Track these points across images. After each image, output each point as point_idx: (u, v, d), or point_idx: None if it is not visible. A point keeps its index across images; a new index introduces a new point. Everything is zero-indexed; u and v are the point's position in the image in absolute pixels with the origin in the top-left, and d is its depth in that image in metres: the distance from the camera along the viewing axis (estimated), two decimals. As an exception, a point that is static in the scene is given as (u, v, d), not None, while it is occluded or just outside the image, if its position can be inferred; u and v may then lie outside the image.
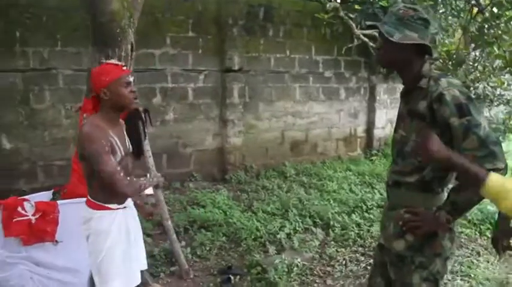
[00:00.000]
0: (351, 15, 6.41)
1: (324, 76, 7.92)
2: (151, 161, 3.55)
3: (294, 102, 7.57)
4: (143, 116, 3.48)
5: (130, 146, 2.49)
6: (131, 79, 2.31)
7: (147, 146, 3.55)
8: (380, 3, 6.98)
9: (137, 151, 3.43)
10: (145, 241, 4.09)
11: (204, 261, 4.07)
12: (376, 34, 4.60)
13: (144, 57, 6.09)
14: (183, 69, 6.49)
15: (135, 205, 2.58)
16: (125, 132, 2.46)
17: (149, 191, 2.90)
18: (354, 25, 6.27)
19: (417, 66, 2.01)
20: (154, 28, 6.17)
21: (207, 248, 4.24)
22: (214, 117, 6.81)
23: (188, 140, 6.61)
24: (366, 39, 6.23)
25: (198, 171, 6.64)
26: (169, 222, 3.75)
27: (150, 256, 3.92)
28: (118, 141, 2.26)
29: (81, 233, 2.36)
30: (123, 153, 2.29)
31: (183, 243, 4.26)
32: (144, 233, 4.25)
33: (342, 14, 6.19)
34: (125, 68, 2.33)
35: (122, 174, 2.18)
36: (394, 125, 2.23)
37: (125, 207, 2.37)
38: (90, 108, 2.38)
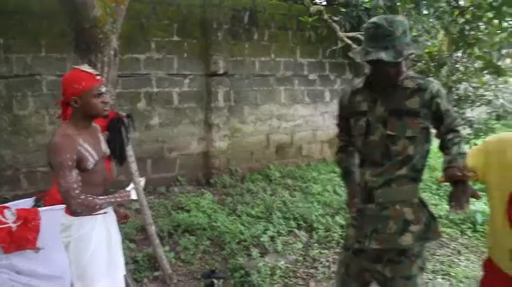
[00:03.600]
0: (335, 18, 6.46)
1: (309, 79, 7.97)
2: (134, 166, 3.56)
3: (279, 105, 7.61)
4: (126, 121, 3.48)
5: (108, 149, 2.50)
6: (104, 89, 2.32)
7: (130, 151, 3.56)
8: (364, 5, 7.06)
9: (120, 157, 3.44)
10: (128, 247, 4.16)
11: (188, 265, 4.09)
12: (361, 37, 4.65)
13: (129, 62, 6.11)
14: (168, 73, 6.50)
15: None
16: (100, 136, 2.47)
17: (133, 196, 2.90)
18: (337, 28, 6.31)
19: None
20: (139, 33, 6.19)
21: (191, 253, 4.26)
22: (199, 121, 6.83)
23: (173, 144, 6.63)
24: (349, 42, 6.28)
25: (183, 175, 6.65)
26: (153, 227, 3.76)
27: (133, 261, 3.96)
28: (90, 147, 2.27)
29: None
30: (96, 158, 2.29)
31: (167, 248, 4.27)
32: (127, 238, 4.32)
33: (325, 17, 6.25)
34: (98, 77, 2.32)
35: (77, 191, 2.17)
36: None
37: (105, 212, 2.38)
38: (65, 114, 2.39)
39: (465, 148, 2.09)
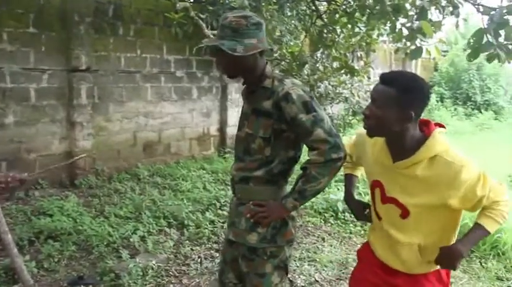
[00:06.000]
0: (202, 16, 6.52)
1: (176, 76, 7.93)
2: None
3: (145, 102, 7.46)
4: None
5: None
6: None
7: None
8: (231, 4, 7.21)
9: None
10: (-18, 259, 3.79)
11: (53, 274, 3.84)
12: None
13: (-23, 55, 5.56)
14: (23, 68, 6.00)
15: None
16: None
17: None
18: (204, 25, 6.38)
19: (260, 68, 2.13)
20: (-12, 22, 5.64)
21: (55, 260, 4.01)
22: (61, 119, 6.42)
23: (32, 144, 6.15)
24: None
25: (44, 178, 6.19)
26: (9, 235, 3.45)
27: (-13, 275, 3.62)
28: None
29: None
30: None
31: (28, 257, 3.96)
32: (-19, 250, 3.94)
33: (192, 14, 6.27)
34: None
35: None
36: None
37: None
38: None
39: (314, 189, 2.04)
